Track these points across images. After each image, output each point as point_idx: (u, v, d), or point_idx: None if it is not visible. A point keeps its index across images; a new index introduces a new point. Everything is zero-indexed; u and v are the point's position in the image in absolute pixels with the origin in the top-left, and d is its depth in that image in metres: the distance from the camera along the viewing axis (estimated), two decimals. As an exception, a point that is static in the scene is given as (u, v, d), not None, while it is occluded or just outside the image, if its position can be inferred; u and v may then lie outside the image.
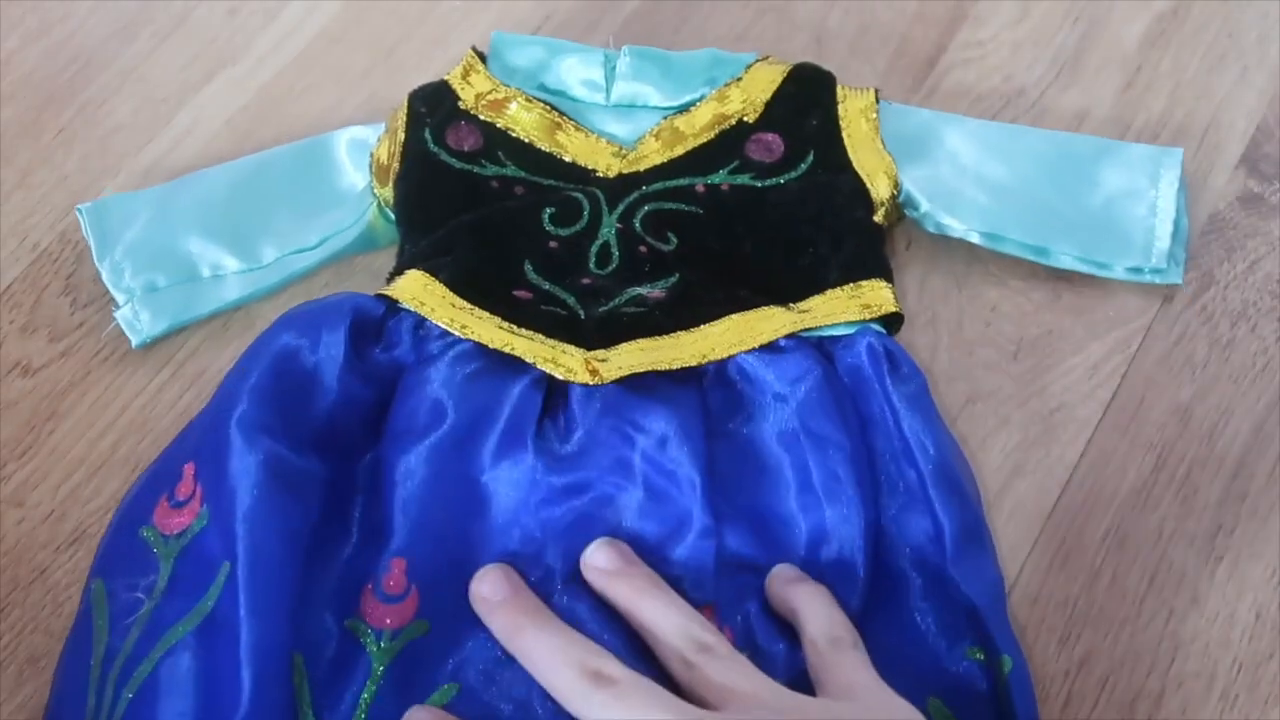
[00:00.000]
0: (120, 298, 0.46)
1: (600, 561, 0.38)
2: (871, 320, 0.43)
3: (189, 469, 0.40)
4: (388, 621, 0.38)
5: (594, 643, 0.35)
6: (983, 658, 0.38)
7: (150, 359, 0.47)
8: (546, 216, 0.45)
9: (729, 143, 0.47)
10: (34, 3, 0.56)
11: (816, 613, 0.37)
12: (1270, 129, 0.50)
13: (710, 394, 0.42)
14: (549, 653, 0.35)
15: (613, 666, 0.34)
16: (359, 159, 0.49)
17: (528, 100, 0.48)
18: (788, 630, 0.38)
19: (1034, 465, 0.43)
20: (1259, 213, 0.48)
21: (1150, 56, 0.52)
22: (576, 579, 0.38)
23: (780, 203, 0.46)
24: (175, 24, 0.55)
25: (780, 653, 0.38)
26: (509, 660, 0.37)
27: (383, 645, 0.38)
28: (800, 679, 0.37)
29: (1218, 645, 0.40)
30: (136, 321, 0.46)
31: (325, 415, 0.40)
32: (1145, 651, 0.40)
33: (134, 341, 0.46)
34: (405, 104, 0.49)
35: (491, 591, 0.37)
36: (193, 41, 0.55)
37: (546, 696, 0.36)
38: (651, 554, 0.39)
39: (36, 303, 0.48)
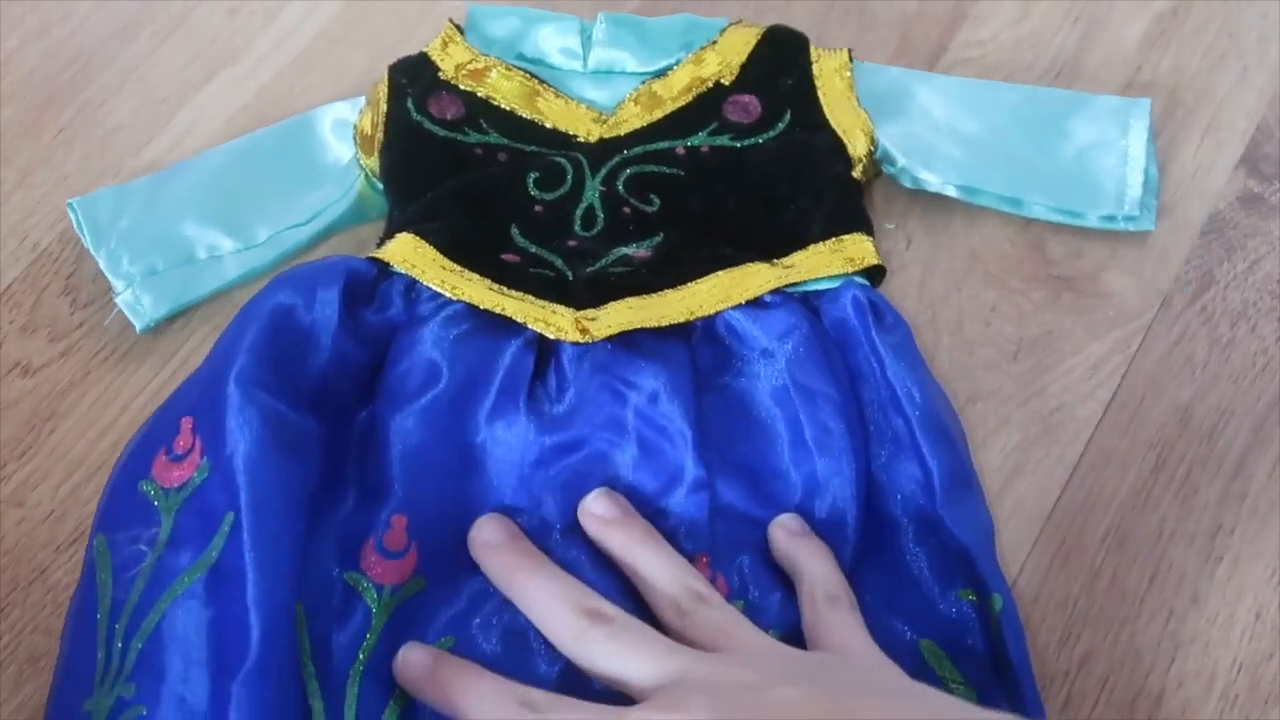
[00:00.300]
0: (120, 284, 0.47)
1: (599, 509, 0.39)
2: (854, 273, 0.44)
3: (186, 423, 0.40)
4: (389, 577, 0.39)
5: (589, 587, 0.36)
6: (975, 599, 0.39)
7: (150, 358, 0.47)
8: (531, 181, 0.46)
9: (707, 105, 0.48)
10: (34, 3, 0.56)
11: (816, 569, 0.38)
12: (1270, 129, 0.50)
13: (699, 351, 0.43)
14: (545, 595, 0.36)
15: (608, 607, 0.35)
16: (343, 133, 0.50)
17: (507, 69, 0.49)
18: (782, 583, 0.39)
19: (1034, 465, 0.43)
20: (1259, 213, 0.48)
21: (1150, 56, 0.52)
22: (573, 531, 0.39)
23: (759, 162, 0.47)
24: (175, 24, 0.55)
25: (773, 604, 0.39)
26: (504, 614, 0.38)
27: (383, 600, 0.38)
28: (793, 633, 0.37)
29: (1218, 645, 0.40)
30: (139, 305, 0.46)
31: (319, 374, 0.41)
32: (1145, 651, 0.40)
33: (138, 326, 0.46)
34: (385, 76, 0.49)
35: (490, 536, 0.38)
36: (193, 41, 0.55)
37: (543, 647, 0.37)
38: (646, 506, 0.40)
39: (36, 303, 0.48)
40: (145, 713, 0.36)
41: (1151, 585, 0.41)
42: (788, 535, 0.39)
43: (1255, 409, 0.44)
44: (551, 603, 0.36)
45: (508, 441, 0.41)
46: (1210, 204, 0.49)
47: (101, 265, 0.47)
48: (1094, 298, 0.47)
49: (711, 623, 0.35)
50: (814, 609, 0.37)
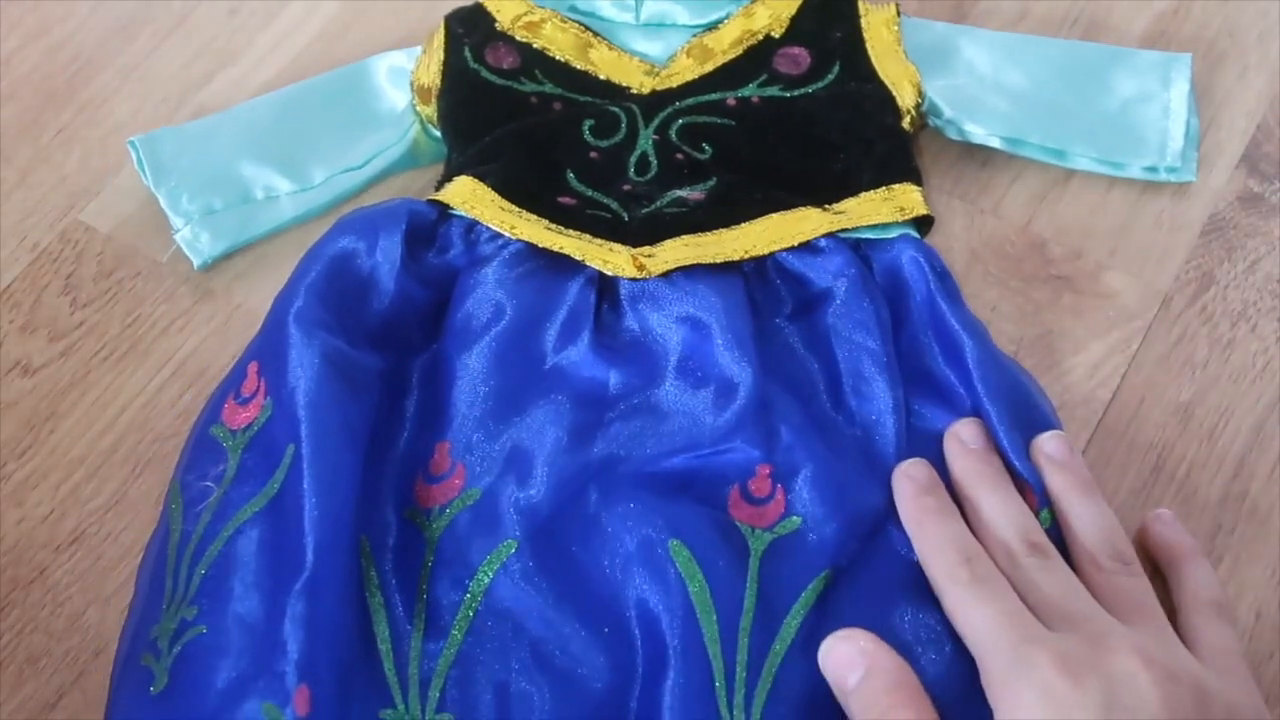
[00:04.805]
0: (179, 222, 0.48)
1: (967, 436, 0.40)
2: (903, 222, 0.45)
3: (253, 368, 0.41)
4: (436, 499, 0.40)
5: (979, 544, 0.38)
6: None
7: (150, 358, 0.47)
8: (586, 129, 0.48)
9: (757, 58, 0.49)
10: (34, 3, 0.56)
11: (1202, 575, 0.39)
12: (1270, 129, 0.50)
13: (750, 292, 0.44)
14: (938, 536, 0.38)
15: (984, 566, 0.37)
16: (398, 81, 0.51)
17: (561, 21, 0.50)
18: (840, 504, 0.39)
19: (1034, 465, 0.43)
20: (1259, 213, 0.48)
21: (1150, 56, 0.52)
22: (631, 460, 0.40)
23: (811, 111, 0.48)
24: (175, 24, 0.55)
25: (829, 535, 0.38)
26: (564, 515, 0.39)
27: (434, 524, 0.39)
28: (840, 564, 0.38)
29: (1218, 645, 0.40)
30: (197, 243, 0.47)
31: (382, 316, 0.42)
32: (1145, 651, 0.40)
33: (196, 263, 0.47)
34: (442, 26, 0.51)
35: (916, 474, 0.40)
36: (193, 41, 0.55)
37: (600, 549, 0.38)
38: (704, 427, 0.40)
39: (36, 303, 0.48)
40: (205, 631, 0.37)
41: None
42: (1164, 524, 0.41)
43: (1255, 409, 0.44)
44: (940, 543, 0.37)
45: (574, 371, 0.42)
46: (1210, 204, 0.49)
47: (162, 202, 0.48)
48: (1094, 298, 0.47)
49: (1047, 586, 0.36)
50: (1201, 615, 0.38)
